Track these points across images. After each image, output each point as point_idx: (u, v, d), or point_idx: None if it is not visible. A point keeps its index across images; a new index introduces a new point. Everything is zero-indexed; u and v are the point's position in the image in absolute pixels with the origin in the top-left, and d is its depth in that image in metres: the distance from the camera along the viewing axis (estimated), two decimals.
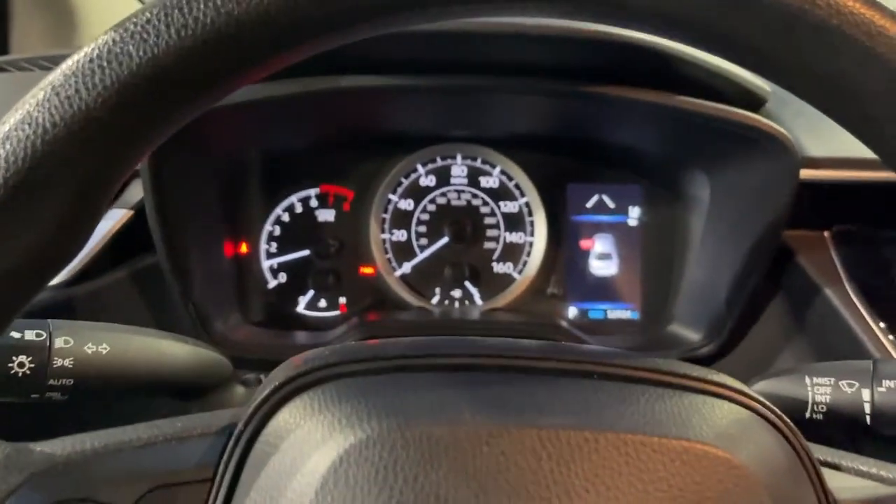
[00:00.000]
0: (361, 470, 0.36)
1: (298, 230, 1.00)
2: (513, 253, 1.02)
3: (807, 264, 0.84)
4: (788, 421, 0.43)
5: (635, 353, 0.46)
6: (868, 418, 0.57)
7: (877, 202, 0.85)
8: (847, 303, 0.80)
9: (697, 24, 0.35)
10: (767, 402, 0.43)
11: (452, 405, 0.40)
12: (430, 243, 1.01)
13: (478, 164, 1.02)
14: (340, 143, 1.00)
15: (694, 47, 0.38)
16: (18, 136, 0.33)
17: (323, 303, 1.00)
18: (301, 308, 1.00)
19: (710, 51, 0.37)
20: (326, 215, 1.01)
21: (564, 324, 0.95)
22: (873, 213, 0.86)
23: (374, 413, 0.39)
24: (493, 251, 1.02)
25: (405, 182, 1.01)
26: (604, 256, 1.02)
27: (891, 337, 0.78)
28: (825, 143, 0.83)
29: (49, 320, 0.54)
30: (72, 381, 0.54)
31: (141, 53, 0.35)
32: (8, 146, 0.33)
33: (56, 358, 0.53)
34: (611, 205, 1.02)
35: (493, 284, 1.02)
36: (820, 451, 0.47)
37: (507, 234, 1.02)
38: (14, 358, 0.52)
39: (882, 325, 0.78)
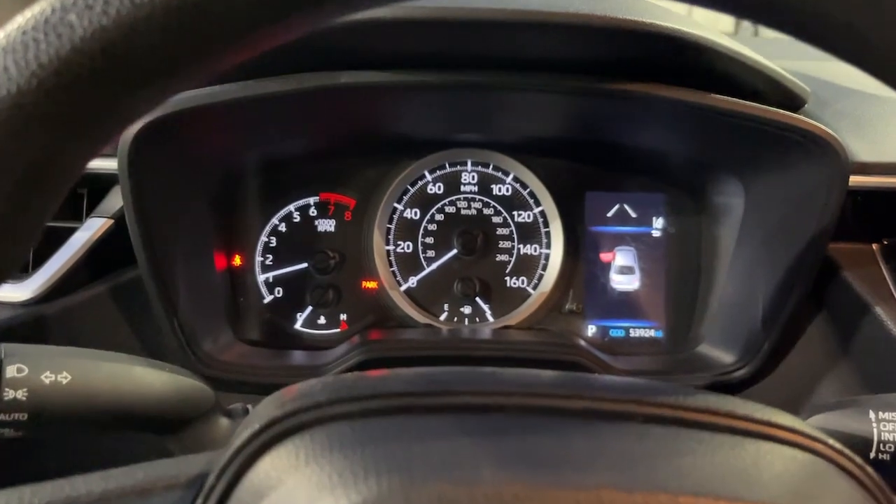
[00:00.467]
0: None
1: (296, 241, 0.93)
2: (527, 266, 0.94)
3: (853, 280, 0.76)
4: (871, 472, 0.36)
5: (683, 386, 0.39)
6: None
7: None
8: None
9: None
10: (846, 450, 0.36)
11: (468, 458, 0.33)
12: (438, 256, 0.94)
13: (489, 170, 0.95)
14: (341, 148, 0.93)
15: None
16: None
17: (322, 320, 0.93)
18: (298, 325, 0.93)
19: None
20: (326, 225, 0.94)
21: (583, 343, 0.87)
22: None
23: (373, 468, 0.32)
24: (505, 264, 0.95)
25: (411, 190, 0.94)
26: (625, 270, 0.95)
27: None
28: (873, 146, 0.75)
29: (1, 344, 0.47)
30: (25, 416, 0.47)
31: (85, 24, 0.28)
32: None
33: (7, 389, 0.46)
34: (633, 214, 0.95)
35: (506, 300, 0.94)
36: None
37: (521, 245, 0.95)
38: None
39: None
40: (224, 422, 0.55)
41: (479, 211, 0.95)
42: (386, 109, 0.84)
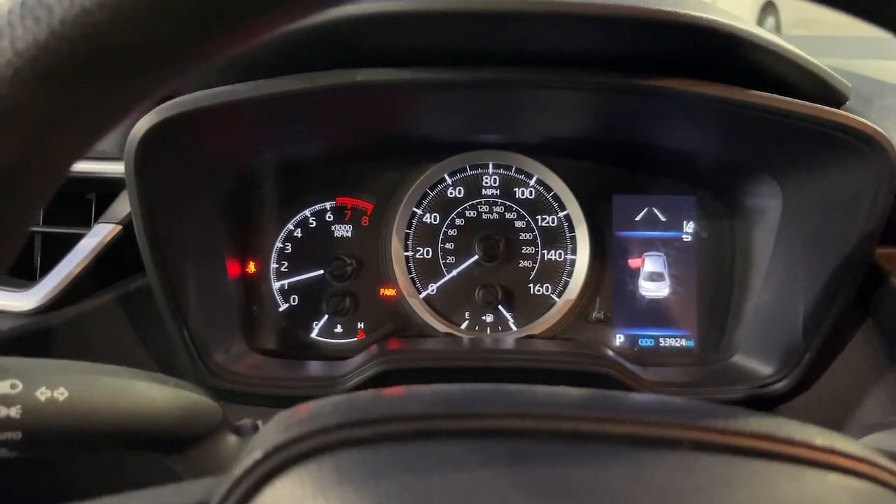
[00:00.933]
0: None
1: (312, 247, 0.90)
2: (551, 273, 0.91)
3: None
4: None
5: (731, 407, 0.35)
6: None
7: None
8: None
9: None
10: None
11: (497, 491, 0.29)
12: (459, 262, 0.90)
13: (511, 173, 0.91)
14: (358, 151, 0.90)
15: None
16: None
17: (339, 328, 0.90)
18: (314, 334, 0.90)
19: None
20: (343, 231, 0.90)
21: (612, 353, 0.83)
22: None
23: (387, 502, 0.28)
24: (528, 271, 0.91)
25: (430, 194, 0.91)
26: (655, 277, 0.90)
27: None
28: None
29: None
30: (19, 435, 0.43)
31: (66, 6, 0.25)
32: None
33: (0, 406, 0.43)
34: (662, 218, 0.91)
35: (530, 308, 0.90)
36: None
37: (545, 251, 0.91)
38: None
39: None
40: (232, 439, 0.52)
41: (501, 215, 0.91)
42: (404, 109, 0.81)
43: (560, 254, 0.90)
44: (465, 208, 0.91)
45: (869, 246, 0.69)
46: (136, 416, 0.47)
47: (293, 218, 0.90)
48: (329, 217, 0.90)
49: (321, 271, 0.89)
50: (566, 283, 0.90)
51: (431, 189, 0.91)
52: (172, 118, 0.64)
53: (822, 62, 0.69)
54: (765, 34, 0.65)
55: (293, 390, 0.76)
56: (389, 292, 0.90)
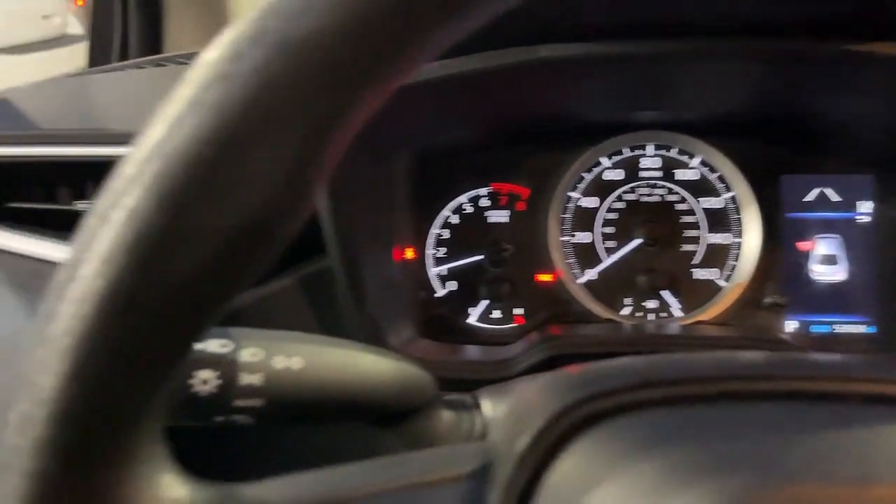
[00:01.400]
0: None
1: (469, 233, 0.89)
2: (717, 257, 0.87)
3: None
4: None
5: None
6: None
7: None
8: None
9: None
10: None
11: (829, 454, 0.27)
12: (619, 246, 0.88)
13: (673, 153, 0.88)
14: (513, 135, 0.89)
15: None
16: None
17: (497, 314, 0.89)
18: (472, 320, 0.89)
19: None
20: (499, 216, 0.90)
21: (789, 339, 0.79)
22: None
23: (727, 461, 0.26)
24: (691, 255, 0.88)
25: (587, 177, 0.89)
26: (828, 260, 0.85)
27: None
28: None
29: (229, 328, 0.45)
30: (261, 402, 0.44)
31: None
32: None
33: (243, 373, 0.44)
34: (835, 199, 0.86)
35: (695, 294, 0.87)
36: None
37: (710, 234, 0.87)
38: (195, 373, 0.43)
39: None
40: (447, 414, 0.51)
41: (663, 198, 0.88)
42: (567, 89, 0.79)
43: (726, 237, 0.87)
44: (624, 191, 0.88)
45: None
46: (364, 388, 0.48)
47: (449, 204, 0.90)
48: (485, 203, 0.90)
49: (481, 256, 0.89)
50: (733, 268, 0.86)
51: (588, 172, 0.89)
52: None
53: None
54: None
55: (464, 374, 0.75)
56: (546, 278, 0.89)
